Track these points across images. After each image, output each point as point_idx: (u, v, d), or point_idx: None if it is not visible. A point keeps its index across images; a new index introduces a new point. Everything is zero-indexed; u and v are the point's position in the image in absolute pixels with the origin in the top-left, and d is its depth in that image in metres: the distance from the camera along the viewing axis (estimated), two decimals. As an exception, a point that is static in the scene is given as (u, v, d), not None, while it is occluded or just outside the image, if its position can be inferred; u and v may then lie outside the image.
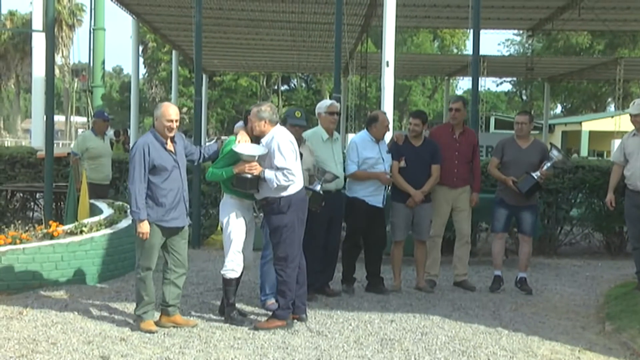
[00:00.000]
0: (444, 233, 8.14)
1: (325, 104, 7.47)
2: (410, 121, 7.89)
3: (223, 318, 6.33)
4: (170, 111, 6.01)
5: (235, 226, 6.27)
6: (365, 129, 7.69)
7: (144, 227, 5.90)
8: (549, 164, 7.73)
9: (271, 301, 6.74)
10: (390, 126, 8.40)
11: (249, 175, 6.06)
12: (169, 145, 6.05)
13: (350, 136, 18.16)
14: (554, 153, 7.78)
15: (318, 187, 6.88)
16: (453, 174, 7.88)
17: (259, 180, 6.09)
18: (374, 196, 7.46)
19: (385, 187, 7.56)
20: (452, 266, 8.11)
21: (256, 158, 6.09)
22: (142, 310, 6.05)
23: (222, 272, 6.35)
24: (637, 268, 7.66)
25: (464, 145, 7.95)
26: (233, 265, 6.29)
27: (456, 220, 8.02)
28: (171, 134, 6.04)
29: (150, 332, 5.91)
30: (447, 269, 8.15)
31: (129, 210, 6.01)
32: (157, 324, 6.09)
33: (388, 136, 7.97)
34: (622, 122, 30.69)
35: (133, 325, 6.09)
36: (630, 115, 7.56)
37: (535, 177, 7.65)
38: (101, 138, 9.86)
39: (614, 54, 36.60)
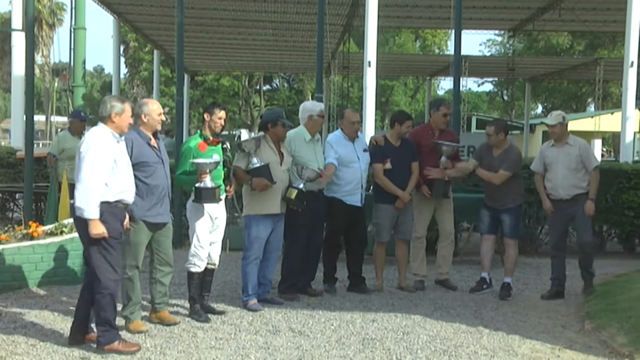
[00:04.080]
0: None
1: (318, 107, 7.47)
2: (407, 124, 7.69)
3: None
4: (158, 106, 6.15)
5: (198, 221, 6.38)
6: (340, 128, 7.72)
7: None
8: (443, 159, 7.71)
9: (253, 301, 6.76)
10: (372, 127, 8.37)
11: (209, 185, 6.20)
12: (153, 142, 6.05)
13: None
14: (444, 148, 7.73)
15: (301, 185, 6.91)
16: None
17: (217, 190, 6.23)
18: (351, 195, 7.45)
19: (362, 186, 7.56)
20: (435, 265, 8.12)
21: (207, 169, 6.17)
22: (129, 311, 6.01)
23: (185, 265, 6.46)
24: (552, 274, 7.74)
25: None
26: (195, 259, 6.38)
27: (440, 220, 8.03)
28: (159, 127, 6.12)
29: (140, 332, 5.90)
30: (428, 268, 8.16)
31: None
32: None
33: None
34: (602, 122, 30.99)
35: (120, 327, 6.03)
36: (548, 125, 7.57)
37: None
38: (78, 138, 9.81)
39: (594, 54, 36.84)
